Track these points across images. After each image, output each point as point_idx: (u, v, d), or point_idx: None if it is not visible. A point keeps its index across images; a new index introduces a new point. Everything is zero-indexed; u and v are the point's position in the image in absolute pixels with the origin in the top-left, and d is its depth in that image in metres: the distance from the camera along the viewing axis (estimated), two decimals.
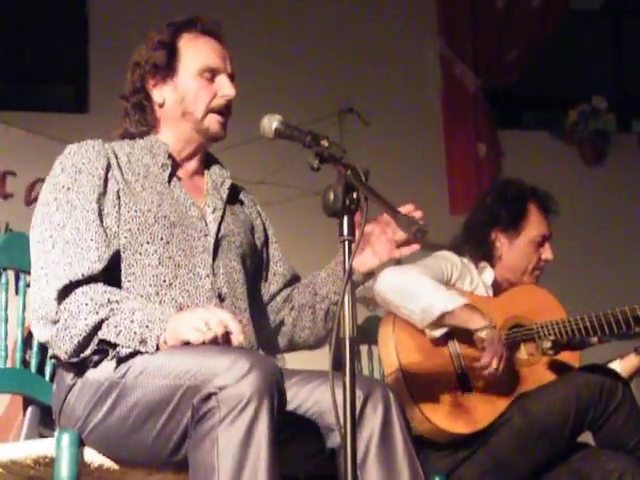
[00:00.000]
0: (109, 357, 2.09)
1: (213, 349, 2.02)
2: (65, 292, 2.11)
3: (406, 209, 2.25)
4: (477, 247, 3.14)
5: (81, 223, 2.18)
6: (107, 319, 2.08)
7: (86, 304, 2.09)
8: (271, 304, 2.49)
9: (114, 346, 2.08)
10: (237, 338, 2.04)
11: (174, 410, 1.97)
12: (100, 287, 2.13)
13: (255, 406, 1.88)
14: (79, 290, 2.11)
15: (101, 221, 2.21)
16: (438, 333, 2.90)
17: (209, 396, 1.91)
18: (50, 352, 2.32)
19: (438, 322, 2.87)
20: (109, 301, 2.10)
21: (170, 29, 2.37)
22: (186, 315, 2.07)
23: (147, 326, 2.07)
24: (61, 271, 2.12)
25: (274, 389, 1.91)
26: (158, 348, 2.06)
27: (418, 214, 2.24)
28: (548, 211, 3.16)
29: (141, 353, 2.06)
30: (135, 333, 2.06)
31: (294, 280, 2.53)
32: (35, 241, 2.21)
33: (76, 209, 2.20)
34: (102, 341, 2.09)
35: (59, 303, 2.11)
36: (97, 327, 2.08)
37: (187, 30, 2.38)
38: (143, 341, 2.06)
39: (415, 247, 2.28)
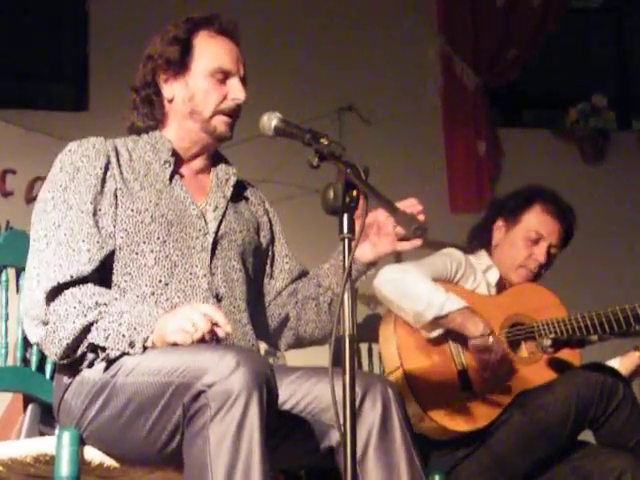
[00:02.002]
0: (99, 359, 2.10)
1: (202, 346, 2.03)
2: (54, 294, 2.11)
3: (408, 203, 2.25)
4: (478, 234, 3.15)
5: (75, 224, 2.18)
6: (96, 322, 2.08)
7: (74, 307, 2.09)
8: (276, 300, 2.48)
9: (104, 349, 2.09)
10: (224, 329, 2.04)
11: (165, 407, 1.98)
12: (89, 289, 2.13)
13: (244, 401, 1.88)
14: (68, 292, 2.11)
15: (96, 221, 2.21)
16: (433, 334, 2.90)
17: (199, 394, 1.92)
18: None
19: (432, 325, 2.87)
20: (97, 304, 2.10)
21: (187, 25, 2.35)
22: (171, 316, 2.07)
23: (135, 328, 2.07)
24: (51, 272, 2.12)
25: (263, 384, 1.91)
26: (146, 350, 2.06)
27: (418, 208, 2.23)
28: (559, 219, 3.12)
29: (129, 354, 2.07)
30: (123, 336, 2.07)
31: (302, 276, 2.52)
32: (32, 239, 2.21)
33: (71, 209, 2.19)
34: (91, 344, 2.10)
35: (48, 305, 2.11)
36: (86, 330, 2.09)
37: (204, 28, 2.35)
38: (131, 343, 2.07)
39: (416, 242, 2.27)
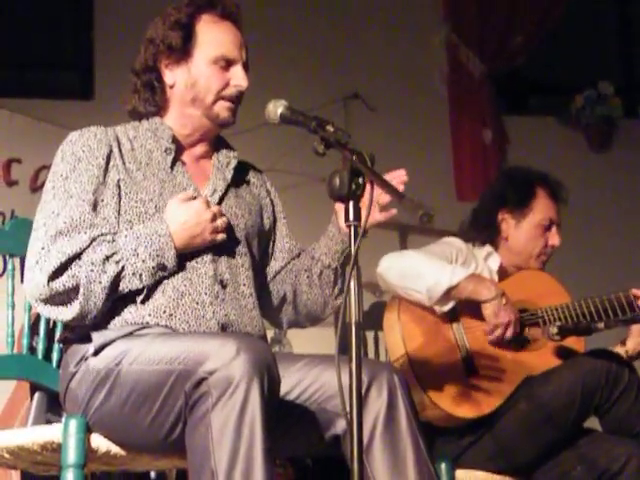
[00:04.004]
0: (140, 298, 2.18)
1: (204, 334, 2.08)
2: (62, 270, 2.12)
3: (396, 174, 2.26)
4: (483, 228, 3.14)
5: (75, 212, 2.18)
6: (121, 272, 2.15)
7: (91, 270, 2.12)
8: (276, 278, 2.47)
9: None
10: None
11: (168, 394, 2.00)
12: (89, 251, 2.14)
13: (245, 388, 1.89)
14: (75, 263, 2.13)
15: (97, 212, 2.21)
16: (447, 307, 2.90)
17: (200, 381, 1.93)
18: (57, 337, 2.35)
19: (445, 298, 2.88)
20: (107, 257, 2.14)
21: (189, 8, 2.32)
22: (181, 227, 2.19)
23: (157, 255, 2.16)
24: (54, 258, 2.12)
25: (263, 370, 1.92)
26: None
27: (403, 179, 2.25)
28: (557, 197, 3.15)
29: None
30: (154, 268, 2.16)
31: (300, 255, 2.51)
32: (33, 229, 2.22)
33: (72, 198, 2.20)
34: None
35: (53, 281, 2.12)
36: (115, 284, 2.14)
37: (207, 11, 2.33)
38: (163, 267, 2.18)
39: (393, 212, 2.28)
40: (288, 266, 2.48)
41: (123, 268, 2.15)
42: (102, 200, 2.23)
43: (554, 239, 3.13)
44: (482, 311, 2.88)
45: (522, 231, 3.12)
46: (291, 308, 2.47)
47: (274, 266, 2.48)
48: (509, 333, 2.88)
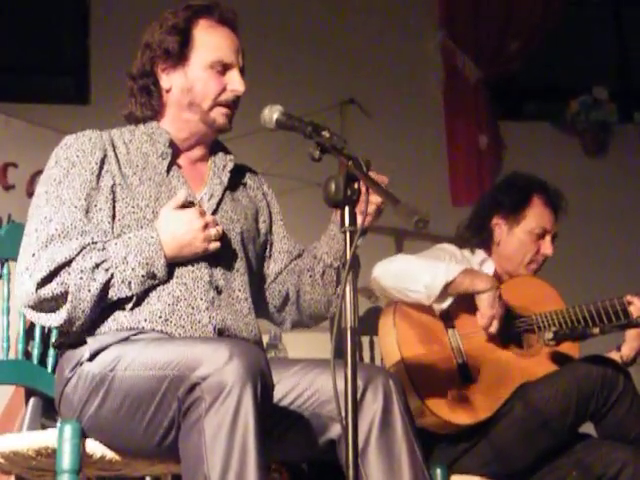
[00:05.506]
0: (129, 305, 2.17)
1: (197, 339, 2.08)
2: (50, 277, 2.12)
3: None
4: (477, 232, 3.15)
5: (67, 219, 2.18)
6: (110, 280, 2.14)
7: (80, 278, 2.12)
8: (277, 279, 2.48)
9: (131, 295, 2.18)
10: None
11: (161, 400, 2.00)
12: (79, 258, 2.13)
13: (238, 393, 1.89)
14: (64, 270, 2.12)
15: (90, 218, 2.20)
16: (445, 304, 2.90)
17: (193, 387, 1.93)
18: (53, 342, 2.35)
19: (443, 294, 2.88)
20: (97, 264, 2.13)
21: (186, 13, 2.33)
22: (171, 238, 2.18)
23: (147, 263, 2.15)
24: (45, 264, 2.12)
25: (257, 375, 1.92)
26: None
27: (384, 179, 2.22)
28: (554, 207, 3.15)
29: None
30: (143, 276, 2.15)
31: (301, 255, 2.52)
32: (24, 234, 2.22)
33: (64, 204, 2.19)
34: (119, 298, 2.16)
35: (41, 288, 2.11)
36: (104, 292, 2.14)
37: (204, 17, 2.34)
38: (153, 276, 2.17)
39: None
40: (289, 267, 2.49)
41: (112, 276, 2.14)
42: (95, 205, 2.23)
43: (547, 248, 3.12)
44: (477, 303, 2.89)
45: (514, 238, 3.12)
46: (294, 308, 2.48)
47: (274, 268, 2.49)
48: (500, 325, 2.88)
